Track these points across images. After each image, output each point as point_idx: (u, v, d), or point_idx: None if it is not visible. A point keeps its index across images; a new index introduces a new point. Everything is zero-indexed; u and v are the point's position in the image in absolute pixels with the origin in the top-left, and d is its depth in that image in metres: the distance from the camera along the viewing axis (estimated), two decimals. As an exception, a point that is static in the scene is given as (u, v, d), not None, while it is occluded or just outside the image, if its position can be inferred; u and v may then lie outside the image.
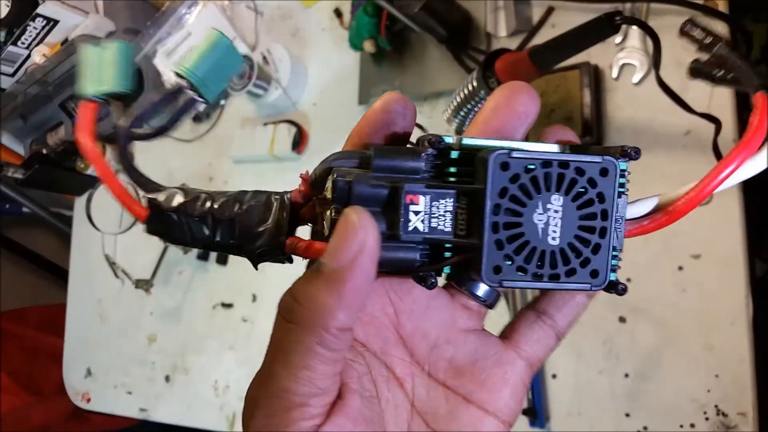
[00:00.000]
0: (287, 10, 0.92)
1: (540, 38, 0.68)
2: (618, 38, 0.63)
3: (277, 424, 0.22)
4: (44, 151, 1.06)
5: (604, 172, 0.22)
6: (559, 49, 0.52)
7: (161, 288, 0.98)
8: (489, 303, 0.28)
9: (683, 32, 0.28)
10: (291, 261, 0.25)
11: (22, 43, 0.89)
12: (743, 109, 0.59)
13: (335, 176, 0.22)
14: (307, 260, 0.26)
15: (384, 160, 0.23)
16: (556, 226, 0.22)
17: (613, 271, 0.23)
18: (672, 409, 0.57)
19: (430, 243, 0.23)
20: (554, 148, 0.24)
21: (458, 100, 0.60)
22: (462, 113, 0.60)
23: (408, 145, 0.25)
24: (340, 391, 0.23)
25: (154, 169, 1.02)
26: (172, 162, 1.00)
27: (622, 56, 0.63)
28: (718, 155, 0.55)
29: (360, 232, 0.21)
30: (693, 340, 0.57)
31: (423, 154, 0.23)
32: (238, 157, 0.90)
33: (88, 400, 1.05)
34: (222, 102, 0.96)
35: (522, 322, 0.28)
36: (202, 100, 0.24)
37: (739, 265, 0.56)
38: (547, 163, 0.22)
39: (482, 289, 0.27)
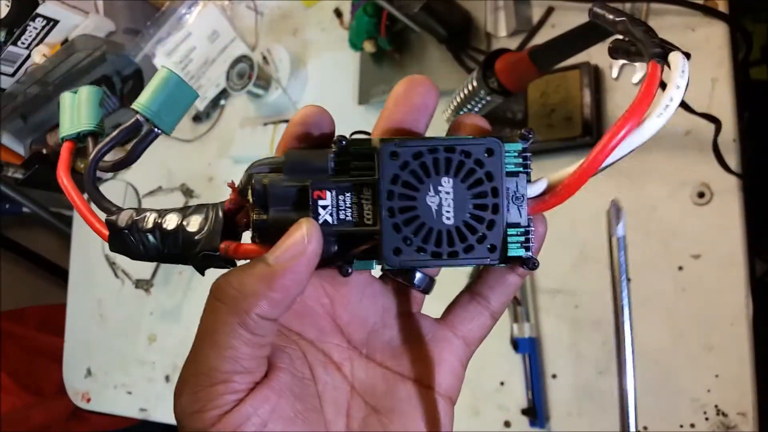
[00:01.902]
0: (287, 10, 0.92)
1: (540, 38, 0.68)
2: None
3: (201, 398, 0.23)
4: (44, 151, 1.07)
5: (489, 152, 0.24)
6: (559, 49, 0.52)
7: (161, 288, 0.98)
8: (423, 288, 0.29)
9: (592, 14, 0.28)
10: (233, 264, 0.27)
11: (22, 43, 0.89)
12: (743, 108, 0.59)
13: (253, 182, 0.25)
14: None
15: (295, 163, 0.25)
16: (449, 206, 0.24)
17: (526, 248, 0.25)
18: (672, 409, 0.57)
19: (341, 234, 0.25)
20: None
21: (458, 100, 0.60)
22: (462, 113, 0.60)
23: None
24: (267, 372, 0.24)
25: (155, 169, 1.02)
26: (172, 162, 1.00)
27: (622, 56, 0.63)
28: (718, 155, 0.55)
29: (305, 240, 0.23)
30: (693, 340, 0.57)
31: (330, 154, 0.25)
32: (238, 157, 0.90)
33: (88, 400, 1.05)
34: (222, 102, 0.96)
35: (458, 304, 0.29)
36: (160, 131, 0.27)
37: (739, 265, 0.55)
38: (433, 149, 0.24)
39: (416, 276, 0.29)
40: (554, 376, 0.63)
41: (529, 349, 0.64)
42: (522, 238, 0.25)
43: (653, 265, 0.60)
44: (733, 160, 0.56)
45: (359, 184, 0.24)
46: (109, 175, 1.02)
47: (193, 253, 0.26)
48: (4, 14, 0.86)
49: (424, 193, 0.24)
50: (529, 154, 0.25)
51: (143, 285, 0.99)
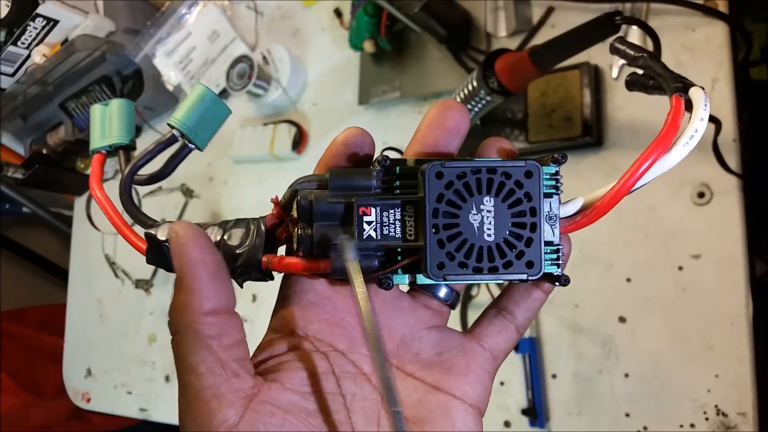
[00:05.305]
0: (287, 10, 0.92)
1: (540, 38, 0.68)
2: (618, 38, 0.63)
3: (204, 421, 0.23)
4: (44, 151, 1.07)
5: (528, 174, 0.25)
6: (559, 49, 0.52)
7: (161, 288, 0.98)
8: (450, 303, 0.31)
9: (613, 49, 0.30)
10: (272, 278, 0.28)
11: (22, 43, 0.89)
12: (743, 108, 0.59)
13: (298, 198, 0.26)
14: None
15: (340, 181, 0.26)
16: (490, 224, 0.25)
17: (557, 265, 0.26)
18: (672, 409, 0.57)
19: (384, 249, 0.26)
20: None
21: (458, 100, 0.60)
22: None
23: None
24: (269, 388, 0.25)
25: (155, 169, 1.01)
26: (172, 162, 1.00)
27: (622, 56, 0.63)
28: (718, 155, 0.55)
29: (174, 234, 0.25)
30: (693, 340, 0.57)
31: (374, 172, 0.26)
32: (238, 157, 0.90)
33: (88, 400, 1.05)
34: (222, 102, 0.96)
35: (484, 318, 0.30)
36: (194, 147, 0.28)
37: (739, 265, 0.56)
38: (476, 170, 0.25)
39: (442, 291, 0.30)
40: (554, 376, 0.63)
41: (529, 349, 0.64)
42: (554, 256, 0.26)
43: (653, 265, 0.60)
44: (733, 160, 0.56)
45: (404, 202, 0.26)
46: (109, 174, 1.02)
47: (233, 267, 0.27)
48: (4, 14, 0.86)
49: (467, 211, 0.25)
50: (560, 176, 0.26)
51: (143, 285, 0.99)
